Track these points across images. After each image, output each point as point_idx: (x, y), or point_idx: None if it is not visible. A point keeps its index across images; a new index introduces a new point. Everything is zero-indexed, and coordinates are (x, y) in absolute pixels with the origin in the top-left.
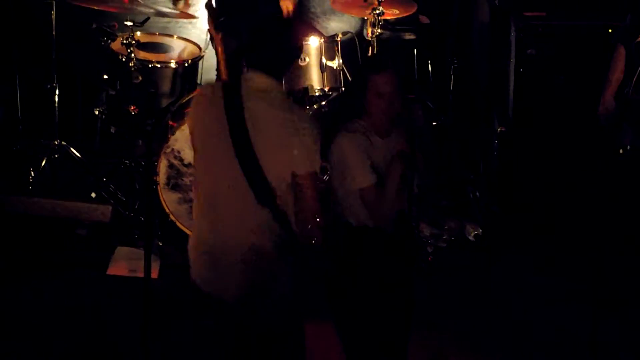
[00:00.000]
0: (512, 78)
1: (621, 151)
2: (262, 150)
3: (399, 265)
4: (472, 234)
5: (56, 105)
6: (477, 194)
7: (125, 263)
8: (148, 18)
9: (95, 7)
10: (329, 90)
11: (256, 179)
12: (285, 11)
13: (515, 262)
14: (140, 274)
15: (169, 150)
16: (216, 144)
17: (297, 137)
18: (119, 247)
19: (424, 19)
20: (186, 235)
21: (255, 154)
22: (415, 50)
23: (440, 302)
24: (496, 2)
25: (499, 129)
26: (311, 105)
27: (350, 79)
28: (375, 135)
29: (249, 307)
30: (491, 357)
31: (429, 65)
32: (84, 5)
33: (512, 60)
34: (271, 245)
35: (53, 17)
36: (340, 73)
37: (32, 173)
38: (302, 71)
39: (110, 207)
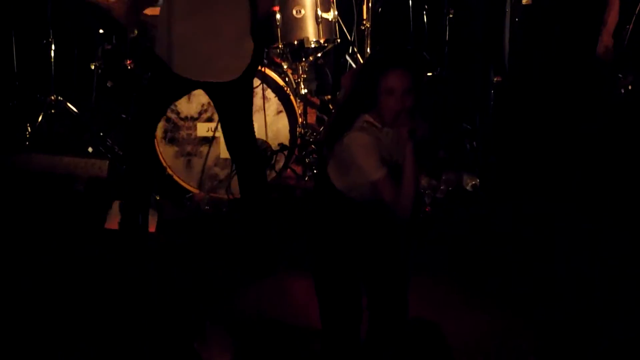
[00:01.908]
0: (507, 28)
1: (623, 91)
2: None
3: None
4: (470, 185)
5: (52, 60)
6: (474, 144)
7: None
8: None
9: None
10: (324, 42)
11: None
12: None
13: (513, 212)
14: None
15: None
16: None
17: None
18: (116, 202)
19: None
20: (183, 189)
21: None
22: (410, 1)
23: (439, 252)
24: None
25: (495, 79)
26: (307, 57)
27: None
28: (385, 128)
29: None
30: (495, 303)
31: (425, 17)
32: None
33: (508, 10)
34: None
35: None
36: (335, 25)
37: (29, 128)
38: (298, 23)
39: (107, 162)
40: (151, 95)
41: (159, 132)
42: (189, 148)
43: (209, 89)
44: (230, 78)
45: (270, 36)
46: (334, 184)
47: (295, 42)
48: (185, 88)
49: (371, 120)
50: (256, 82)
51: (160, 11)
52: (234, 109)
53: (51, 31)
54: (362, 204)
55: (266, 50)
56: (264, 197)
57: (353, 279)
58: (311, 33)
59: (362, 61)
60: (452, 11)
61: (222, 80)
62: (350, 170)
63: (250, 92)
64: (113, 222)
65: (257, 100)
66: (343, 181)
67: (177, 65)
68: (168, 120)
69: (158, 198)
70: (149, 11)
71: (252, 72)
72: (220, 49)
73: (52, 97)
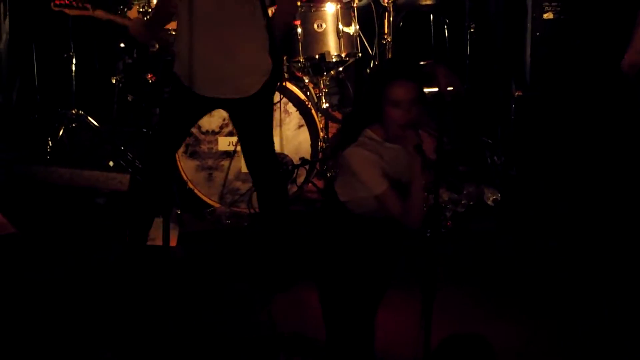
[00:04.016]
0: (528, 42)
1: None
2: None
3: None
4: (491, 199)
5: (73, 74)
6: (495, 158)
7: None
8: None
9: None
10: (345, 56)
11: None
12: None
13: (534, 226)
14: (159, 242)
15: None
16: None
17: None
18: (157, 219)
19: None
20: (204, 203)
21: None
22: (431, 15)
23: (460, 266)
24: None
25: (516, 94)
26: (328, 71)
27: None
28: (388, 144)
29: None
30: (514, 319)
31: (446, 30)
32: None
33: (529, 24)
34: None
35: None
36: (357, 39)
37: (50, 142)
38: (319, 37)
39: (128, 176)
40: (171, 114)
41: (181, 147)
42: (210, 162)
43: (227, 105)
44: (247, 94)
45: (291, 50)
46: (340, 198)
47: (317, 56)
48: (204, 106)
49: (373, 135)
50: (277, 96)
51: (177, 28)
52: (253, 125)
53: (72, 45)
54: (368, 220)
55: (287, 64)
56: (283, 213)
57: (363, 298)
58: (332, 47)
59: None
60: (473, 25)
61: (240, 97)
62: (353, 184)
63: (269, 108)
64: (152, 237)
65: (279, 115)
66: (348, 195)
67: (194, 82)
68: (189, 134)
69: (179, 212)
70: (172, 25)
71: (270, 88)
72: (237, 65)
73: (73, 111)
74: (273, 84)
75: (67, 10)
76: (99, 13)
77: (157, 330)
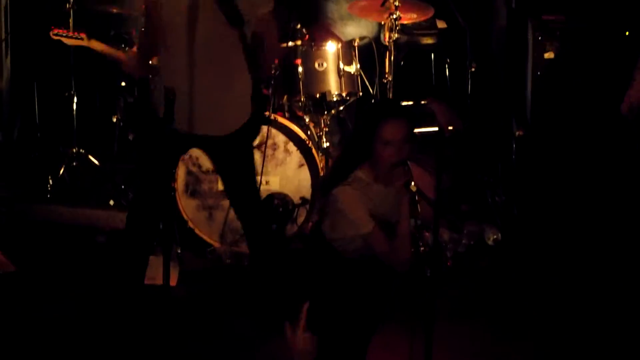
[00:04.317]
0: (529, 81)
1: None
2: None
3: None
4: (492, 239)
5: (74, 112)
6: (496, 197)
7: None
8: None
9: (115, 11)
10: (346, 95)
11: (227, 5)
12: None
13: (535, 265)
14: (159, 281)
15: (187, 156)
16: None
17: None
18: (152, 257)
19: (442, 23)
20: (204, 242)
21: None
22: (432, 54)
23: (460, 305)
24: (513, 5)
25: (517, 133)
26: (329, 110)
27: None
28: (378, 184)
29: None
30: (516, 357)
31: (447, 70)
32: (103, 9)
33: (530, 64)
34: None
35: (71, 24)
36: (357, 78)
37: (51, 180)
38: (320, 76)
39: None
40: (152, 150)
41: (181, 186)
42: (210, 201)
43: (203, 143)
44: (223, 133)
45: (292, 89)
46: (327, 237)
47: (317, 95)
48: (180, 142)
49: (362, 175)
50: (279, 134)
51: (158, 63)
52: (232, 166)
53: (73, 83)
54: (356, 260)
55: (288, 103)
56: (271, 252)
57: (351, 336)
58: (333, 86)
59: None
60: (474, 65)
61: (215, 135)
62: (341, 223)
63: (248, 149)
64: (152, 277)
65: (280, 154)
66: (335, 235)
67: (168, 118)
68: (190, 173)
69: (179, 251)
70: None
71: (250, 130)
72: (215, 103)
73: (74, 149)
74: (253, 126)
75: (64, 40)
76: (94, 44)
77: None
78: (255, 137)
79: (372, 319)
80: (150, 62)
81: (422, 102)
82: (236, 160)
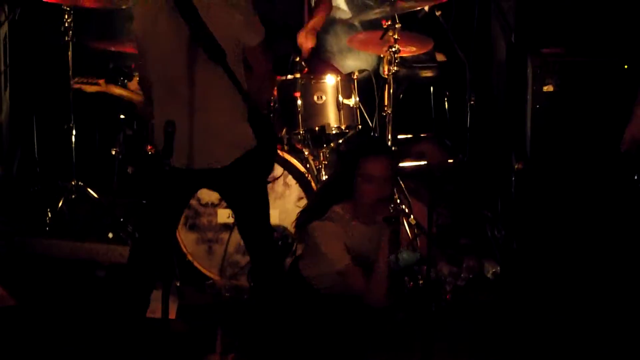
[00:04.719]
0: (529, 115)
1: (636, 177)
2: (208, 19)
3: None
4: (491, 272)
5: (73, 145)
6: (496, 231)
7: None
8: None
9: (112, 49)
10: (345, 128)
11: (206, 40)
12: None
13: (535, 300)
14: (159, 315)
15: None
16: (167, 27)
17: (237, 8)
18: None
19: (441, 57)
20: (204, 275)
21: (203, 21)
22: (432, 87)
23: (460, 340)
24: (512, 39)
25: (516, 167)
26: (328, 144)
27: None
28: (358, 222)
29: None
30: None
31: (446, 103)
32: (101, 46)
33: (529, 97)
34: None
35: (70, 57)
36: (357, 111)
37: (50, 214)
38: (319, 109)
39: (128, 248)
40: (156, 188)
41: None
42: (209, 235)
43: (206, 178)
44: (220, 165)
45: (291, 122)
46: (303, 273)
47: (317, 128)
48: (184, 181)
49: (342, 212)
50: (278, 169)
51: (153, 102)
52: (239, 199)
53: (72, 116)
54: (330, 296)
55: (287, 136)
56: (278, 287)
57: None
58: (332, 119)
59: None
60: (473, 98)
61: (213, 168)
62: (317, 259)
63: (258, 179)
64: (152, 310)
65: (279, 187)
66: (310, 271)
67: (167, 154)
68: (189, 207)
69: (178, 284)
70: None
71: (256, 162)
72: (210, 136)
73: (73, 182)
74: (259, 158)
75: (84, 87)
76: (113, 89)
77: None
78: (267, 172)
79: (348, 354)
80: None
81: (415, 142)
82: (244, 193)
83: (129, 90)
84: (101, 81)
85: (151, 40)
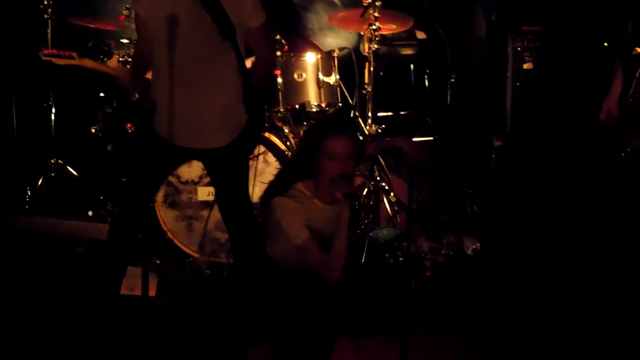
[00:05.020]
0: (509, 92)
1: (623, 155)
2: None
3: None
4: (471, 249)
5: (52, 123)
6: (475, 208)
7: (123, 281)
8: None
9: (92, 25)
10: (326, 106)
11: (219, 16)
12: None
13: (514, 276)
14: (138, 292)
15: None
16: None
17: None
18: (130, 267)
19: (421, 34)
20: (184, 253)
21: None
22: (412, 65)
23: (440, 315)
24: (493, 17)
25: (496, 144)
26: (308, 121)
27: (340, 100)
28: (319, 201)
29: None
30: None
31: (426, 81)
32: (80, 23)
33: (509, 75)
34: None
35: (49, 35)
36: (337, 89)
37: (29, 192)
38: (299, 87)
39: (107, 225)
40: (147, 163)
41: (160, 196)
42: (189, 212)
43: (199, 156)
44: (219, 145)
45: (271, 99)
46: (267, 251)
47: (297, 106)
48: (177, 155)
49: (304, 189)
50: (259, 147)
51: (152, 78)
52: (227, 176)
53: (51, 94)
54: (290, 273)
55: (267, 113)
56: (258, 264)
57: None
58: (313, 97)
59: (362, 125)
60: (454, 76)
61: (211, 148)
62: (278, 235)
63: (245, 160)
64: (131, 287)
65: (259, 165)
66: (273, 248)
67: (168, 132)
68: (169, 184)
69: (158, 262)
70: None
71: (246, 141)
72: (210, 117)
73: (53, 160)
74: (249, 136)
75: (55, 60)
76: (87, 62)
77: None
78: (252, 149)
79: (317, 330)
80: (145, 76)
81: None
82: (233, 171)
83: (104, 65)
84: (74, 54)
85: (156, 17)
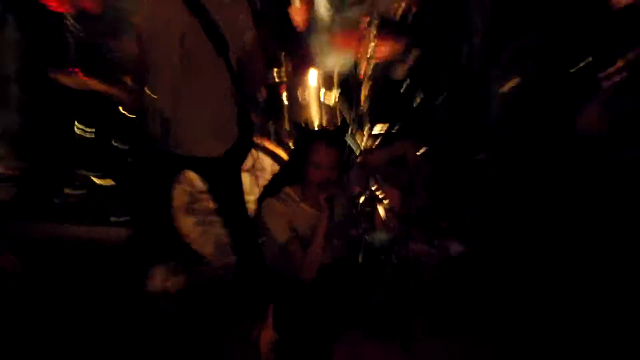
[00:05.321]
0: (496, 104)
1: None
2: (217, 17)
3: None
4: (456, 251)
5: (76, 137)
6: (475, 214)
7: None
8: None
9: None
10: (326, 124)
11: (214, 34)
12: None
13: (514, 281)
14: (157, 291)
15: (183, 178)
16: (178, 24)
17: (241, 10)
18: (155, 267)
19: (416, 51)
20: (199, 256)
21: (213, 18)
22: (408, 80)
23: (438, 320)
24: (484, 30)
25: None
26: None
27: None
28: (303, 204)
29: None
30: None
31: (421, 95)
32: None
33: (497, 88)
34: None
35: (69, 56)
36: (337, 106)
37: (56, 200)
38: (303, 106)
39: (125, 230)
40: (149, 171)
41: (179, 203)
42: (205, 218)
43: (197, 165)
44: (214, 154)
45: (278, 115)
46: (265, 255)
47: (302, 123)
48: (177, 165)
49: (291, 193)
50: (266, 158)
51: (148, 91)
52: (220, 186)
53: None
54: (279, 274)
55: (274, 127)
56: (254, 267)
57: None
58: (314, 115)
59: (359, 141)
60: (449, 88)
61: (208, 156)
62: (266, 235)
63: (236, 173)
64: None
65: (267, 175)
66: (265, 250)
67: (170, 142)
68: (187, 193)
69: (174, 264)
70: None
71: (237, 154)
72: (205, 125)
73: (74, 169)
74: (240, 149)
75: (62, 79)
76: (92, 83)
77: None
78: (243, 161)
79: (313, 332)
80: (144, 91)
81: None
82: (224, 182)
83: (108, 85)
84: (79, 73)
85: (155, 34)
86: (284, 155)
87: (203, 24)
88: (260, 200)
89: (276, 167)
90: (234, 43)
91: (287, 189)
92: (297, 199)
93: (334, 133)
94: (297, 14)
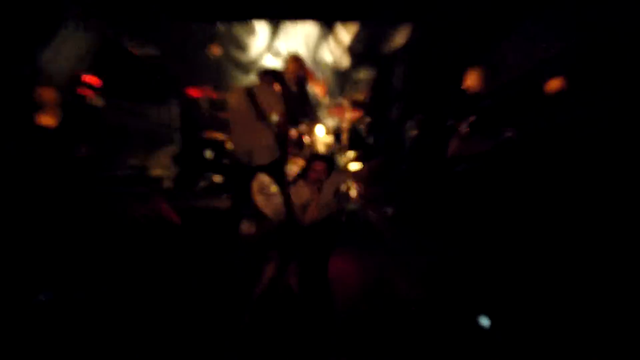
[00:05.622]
0: (407, 140)
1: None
2: (261, 99)
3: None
4: (390, 212)
5: (207, 161)
6: (397, 191)
7: (240, 226)
8: None
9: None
10: (326, 153)
11: (260, 110)
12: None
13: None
14: (247, 232)
15: (260, 183)
16: (243, 107)
17: (275, 95)
18: (244, 220)
19: (367, 118)
20: (265, 215)
21: (259, 100)
22: (363, 130)
23: (351, 239)
24: (402, 101)
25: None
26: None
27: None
28: (308, 188)
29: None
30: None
31: (372, 137)
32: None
33: (411, 131)
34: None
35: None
36: (332, 144)
37: (199, 186)
38: (312, 143)
39: (228, 196)
40: (236, 175)
41: (255, 189)
42: (268, 195)
43: (259, 169)
44: (265, 163)
45: (300, 146)
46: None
47: (313, 151)
48: (250, 169)
49: (302, 182)
50: (293, 167)
51: (231, 129)
52: (275, 179)
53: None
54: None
55: (299, 152)
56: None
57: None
58: (321, 149)
59: (341, 161)
60: (383, 133)
61: (261, 164)
62: (292, 200)
63: (281, 172)
64: (243, 229)
65: (294, 174)
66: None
67: (245, 159)
68: (262, 193)
69: (253, 219)
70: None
71: (279, 162)
72: (259, 148)
73: (208, 174)
74: (280, 160)
75: (207, 134)
76: (214, 135)
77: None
78: (283, 166)
79: (319, 249)
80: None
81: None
82: (275, 175)
83: (217, 134)
84: (210, 130)
85: (237, 111)
86: (302, 164)
87: (252, 104)
88: (289, 185)
89: (296, 170)
90: (271, 112)
91: (300, 181)
92: (303, 185)
93: (326, 156)
94: (318, 90)
